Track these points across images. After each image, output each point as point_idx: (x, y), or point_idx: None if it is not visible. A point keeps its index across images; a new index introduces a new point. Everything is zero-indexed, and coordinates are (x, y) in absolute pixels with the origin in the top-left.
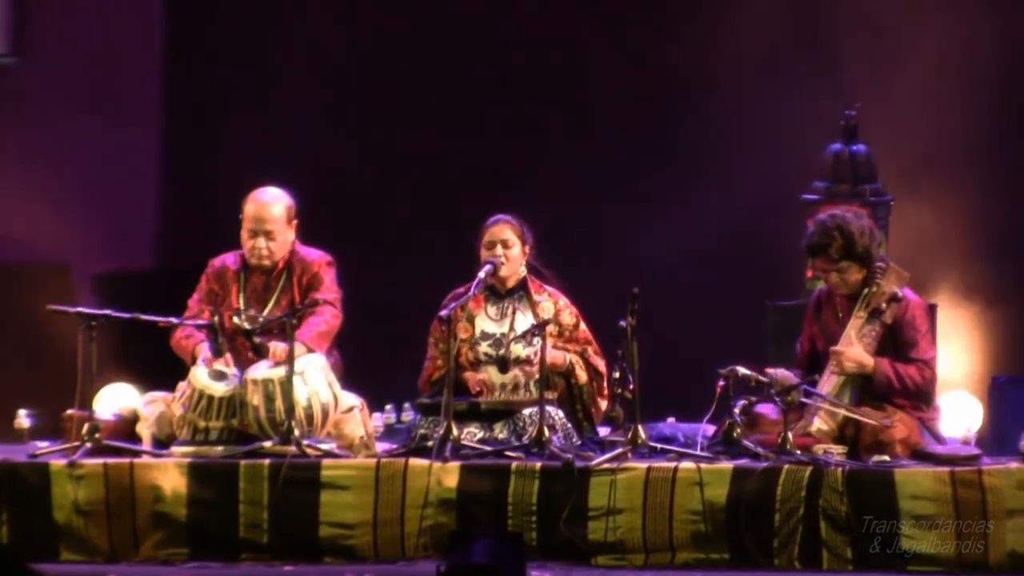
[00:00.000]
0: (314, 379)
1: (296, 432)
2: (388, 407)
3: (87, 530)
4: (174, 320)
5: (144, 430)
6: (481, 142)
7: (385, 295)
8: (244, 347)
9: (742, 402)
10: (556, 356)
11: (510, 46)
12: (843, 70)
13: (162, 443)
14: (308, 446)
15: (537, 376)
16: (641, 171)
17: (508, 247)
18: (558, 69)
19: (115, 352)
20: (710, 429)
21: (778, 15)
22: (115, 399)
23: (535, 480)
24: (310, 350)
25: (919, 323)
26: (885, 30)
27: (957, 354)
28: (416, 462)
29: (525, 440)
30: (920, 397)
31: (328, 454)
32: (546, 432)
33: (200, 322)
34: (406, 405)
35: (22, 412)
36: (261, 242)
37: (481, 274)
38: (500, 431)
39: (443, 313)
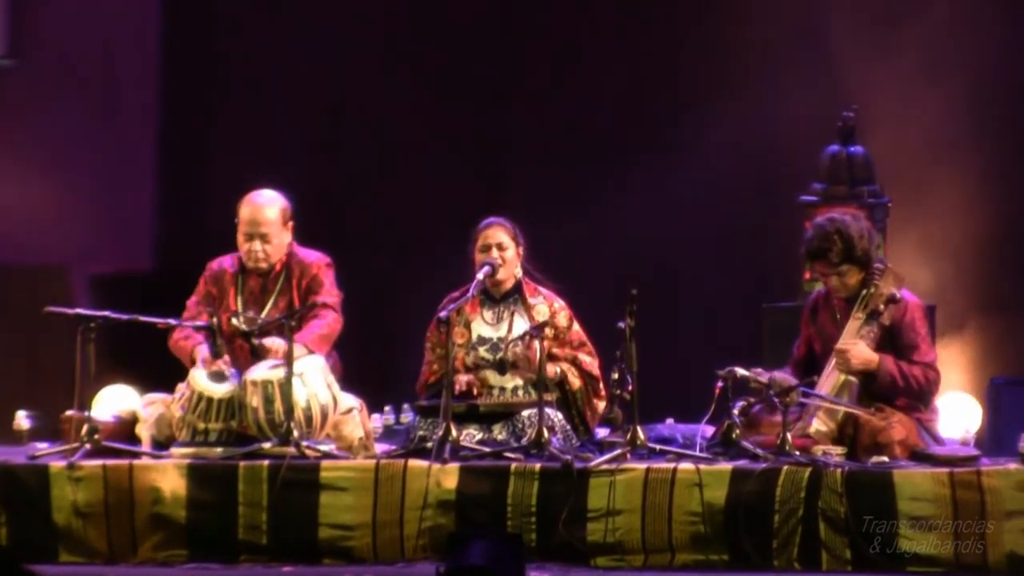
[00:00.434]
0: (313, 381)
1: (295, 433)
2: (387, 408)
3: (86, 532)
4: (173, 322)
5: (143, 432)
6: (479, 143)
7: (383, 296)
8: (243, 349)
9: (741, 403)
10: (547, 370)
11: (509, 46)
12: (841, 71)
13: (161, 445)
14: (307, 447)
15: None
16: (638, 172)
17: (503, 249)
18: (556, 71)
19: (114, 354)
20: (709, 430)
21: (777, 16)
22: (114, 401)
23: (534, 481)
24: (310, 352)
25: (919, 325)
26: (883, 31)
27: (955, 356)
28: (415, 463)
29: (524, 441)
30: (923, 398)
31: (327, 455)
32: (545, 433)
33: (199, 324)
34: (405, 406)
35: (21, 413)
36: (257, 245)
37: (480, 275)
38: (499, 433)
39: (442, 314)
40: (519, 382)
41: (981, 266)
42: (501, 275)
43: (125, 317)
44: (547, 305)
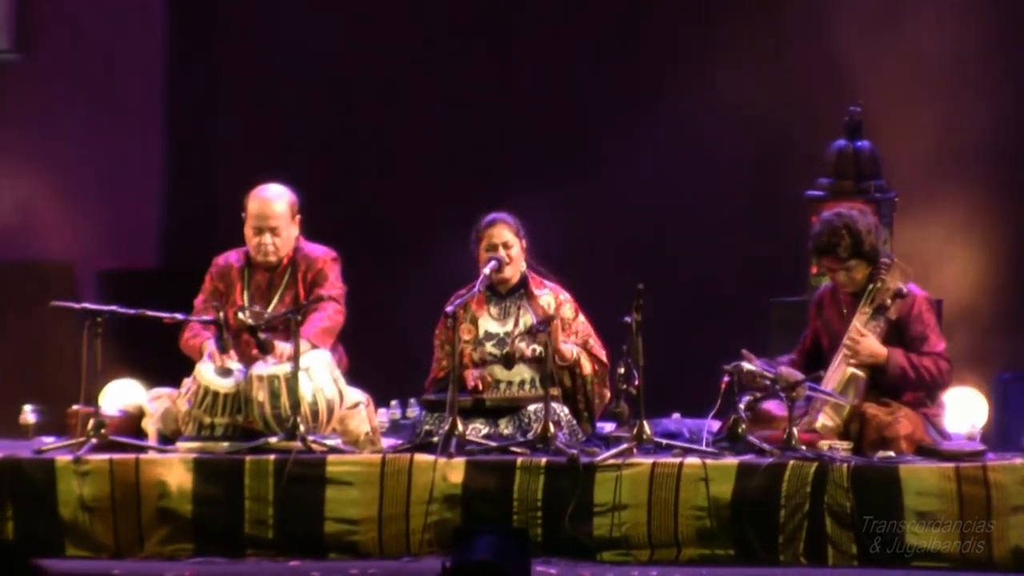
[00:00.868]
0: (319, 375)
1: (301, 428)
2: (393, 403)
3: (92, 526)
4: (179, 316)
5: (149, 426)
6: (483, 138)
7: (389, 291)
8: (249, 343)
9: (747, 398)
10: (564, 350)
11: (510, 43)
12: (848, 65)
13: (167, 439)
14: (313, 442)
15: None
16: (643, 165)
17: (508, 248)
18: (556, 64)
19: (120, 348)
20: (715, 425)
21: (783, 9)
22: (120, 395)
23: (540, 476)
24: (314, 346)
25: (926, 318)
26: (891, 25)
27: (962, 351)
28: (421, 458)
29: (530, 436)
30: (935, 388)
31: (333, 450)
32: (551, 428)
33: (205, 318)
34: (411, 401)
35: (27, 408)
36: (267, 238)
37: (486, 270)
38: (505, 427)
39: (449, 309)
40: (525, 377)
41: (988, 261)
42: (507, 273)
43: (131, 312)
44: (552, 296)
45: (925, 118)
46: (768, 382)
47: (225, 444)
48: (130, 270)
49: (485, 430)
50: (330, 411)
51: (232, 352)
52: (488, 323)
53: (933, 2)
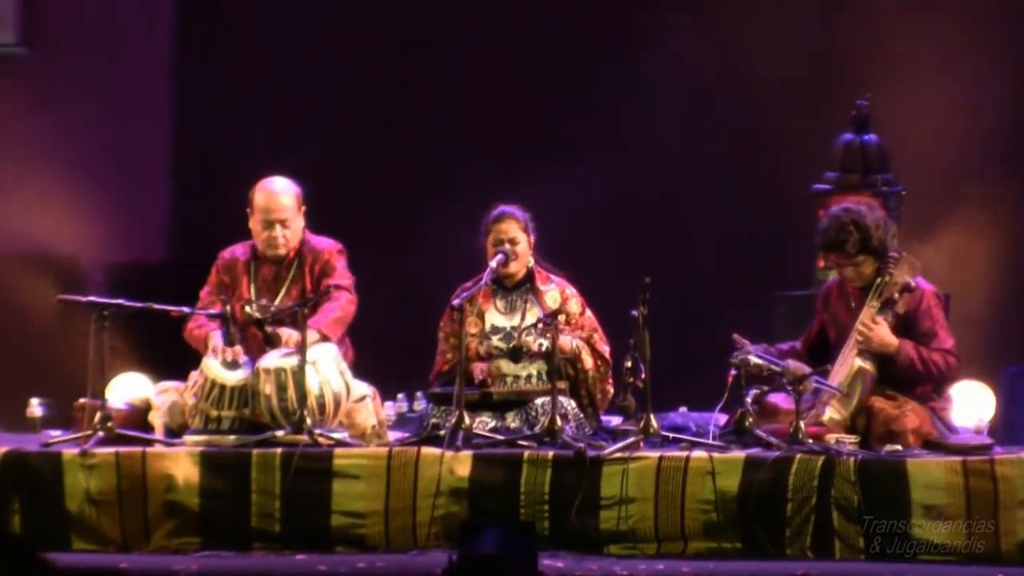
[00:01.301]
0: (326, 368)
1: (308, 421)
2: (400, 396)
3: (99, 519)
4: (186, 309)
5: (156, 419)
6: (491, 130)
7: (396, 284)
8: (256, 337)
9: (754, 391)
10: (563, 342)
11: (516, 35)
12: (854, 61)
13: (174, 432)
14: (320, 435)
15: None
16: (650, 159)
17: (515, 244)
18: (569, 58)
19: (127, 342)
20: (722, 418)
21: (790, 5)
22: (127, 388)
23: (547, 469)
24: (325, 337)
25: (935, 313)
26: (896, 18)
27: (969, 344)
28: (428, 451)
29: (537, 429)
30: (943, 382)
31: (340, 443)
32: (558, 421)
33: (212, 312)
34: (418, 394)
35: (34, 401)
36: (277, 231)
37: (493, 264)
38: (512, 420)
39: (455, 302)
40: (532, 370)
41: (995, 254)
42: (513, 268)
43: (138, 305)
44: (559, 291)
45: (933, 111)
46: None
47: (232, 437)
48: (137, 263)
49: (492, 423)
50: (337, 404)
51: (239, 345)
52: (495, 317)
53: None
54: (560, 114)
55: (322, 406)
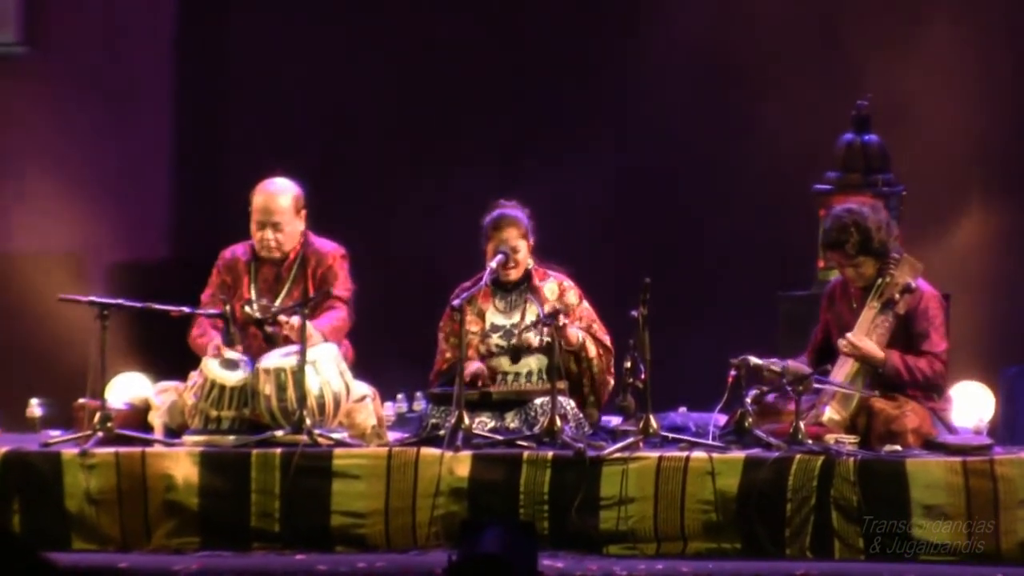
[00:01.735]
0: (326, 368)
1: (308, 421)
2: (400, 396)
3: (99, 519)
4: (186, 310)
5: (156, 419)
6: (492, 130)
7: (396, 285)
8: (256, 337)
9: (754, 392)
10: (570, 334)
11: (517, 36)
12: (855, 59)
13: (174, 432)
14: (320, 435)
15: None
16: (651, 159)
17: (516, 252)
18: (569, 57)
19: (127, 341)
20: (722, 419)
21: (791, 3)
22: (127, 388)
23: (547, 469)
24: (324, 339)
25: (932, 315)
26: (897, 18)
27: (969, 345)
28: (428, 451)
29: (537, 429)
30: (930, 388)
31: (340, 443)
32: (558, 421)
33: (212, 311)
34: (418, 394)
35: (34, 401)
36: (269, 234)
37: (493, 264)
38: (512, 420)
39: (455, 302)
40: (532, 367)
41: (995, 255)
42: (513, 275)
43: (139, 305)
44: (556, 283)
45: (933, 111)
46: (775, 376)
47: (232, 437)
48: (138, 262)
49: (491, 423)
50: (337, 404)
51: (239, 345)
52: (495, 316)
53: None
54: (562, 115)
55: (322, 406)
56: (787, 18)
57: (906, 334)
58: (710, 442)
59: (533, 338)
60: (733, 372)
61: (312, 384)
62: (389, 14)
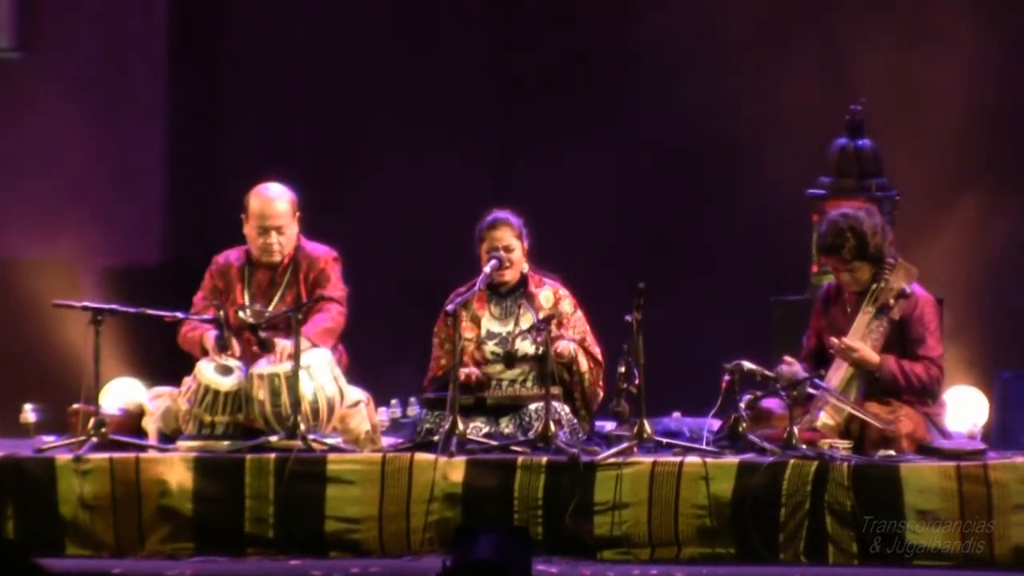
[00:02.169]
0: (320, 374)
1: (302, 427)
2: (394, 402)
3: (93, 524)
4: (180, 315)
5: (150, 425)
6: (484, 137)
7: (390, 290)
8: (250, 342)
9: (748, 397)
10: (563, 347)
11: (512, 40)
12: (848, 64)
13: (168, 438)
14: (314, 441)
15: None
16: (644, 164)
17: (510, 252)
18: (560, 63)
19: (121, 347)
20: (716, 424)
21: (783, 5)
22: (121, 394)
23: (541, 475)
24: (315, 345)
25: (928, 320)
26: (893, 22)
27: (963, 349)
28: (422, 457)
29: (531, 435)
30: (926, 394)
31: (334, 448)
32: (552, 427)
33: (205, 317)
34: (412, 400)
35: (28, 407)
36: (273, 237)
37: (487, 269)
38: (506, 426)
39: (449, 308)
40: (527, 374)
41: (989, 259)
42: (508, 276)
43: (133, 310)
44: (551, 291)
45: (927, 117)
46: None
47: (226, 443)
48: (132, 268)
49: (486, 429)
50: (331, 410)
51: (233, 349)
52: (490, 323)
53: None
54: (556, 119)
55: (316, 411)
56: (780, 22)
57: (901, 339)
58: (704, 447)
59: (528, 345)
60: (727, 377)
61: (306, 389)
62: (385, 17)
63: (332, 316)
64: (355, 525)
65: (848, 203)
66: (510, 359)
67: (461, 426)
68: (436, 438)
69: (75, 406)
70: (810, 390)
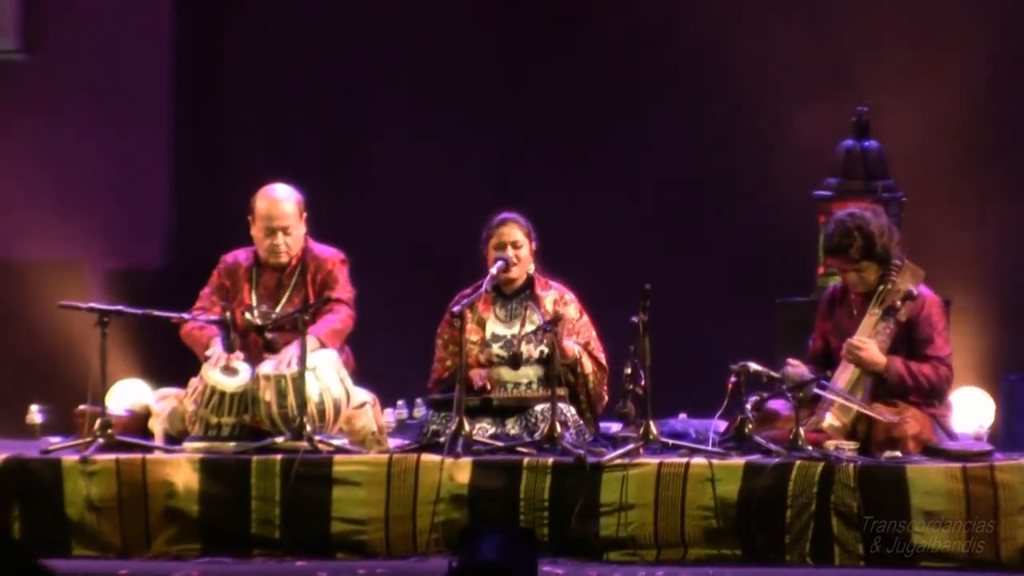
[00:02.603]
0: (326, 375)
1: (308, 428)
2: (400, 403)
3: (99, 526)
4: (186, 316)
5: (156, 426)
6: (490, 139)
7: (396, 291)
8: (256, 343)
9: (754, 398)
10: (567, 347)
11: (516, 42)
12: (855, 65)
13: (174, 439)
14: (320, 442)
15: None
16: (650, 166)
17: (518, 248)
18: (565, 65)
19: (127, 348)
20: (722, 425)
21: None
22: (127, 395)
23: (547, 476)
24: (323, 345)
25: (935, 320)
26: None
27: (968, 351)
28: (428, 458)
29: (537, 436)
30: (935, 394)
31: (340, 450)
32: (558, 428)
33: (212, 318)
34: (418, 401)
35: (34, 408)
36: (280, 239)
37: (493, 270)
38: (512, 427)
39: (455, 309)
40: (532, 377)
41: (995, 260)
42: (514, 273)
43: (139, 312)
44: (558, 295)
45: (933, 116)
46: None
47: (232, 444)
48: (138, 269)
49: (492, 430)
50: (337, 411)
51: (239, 352)
52: (495, 325)
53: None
54: (561, 122)
55: (322, 412)
56: (786, 24)
57: (908, 341)
58: (710, 448)
59: (533, 349)
60: (733, 378)
61: (312, 390)
62: (388, 17)
63: (341, 317)
64: (361, 526)
65: (854, 204)
66: (516, 360)
67: (467, 427)
68: (442, 439)
69: (81, 407)
70: (816, 391)
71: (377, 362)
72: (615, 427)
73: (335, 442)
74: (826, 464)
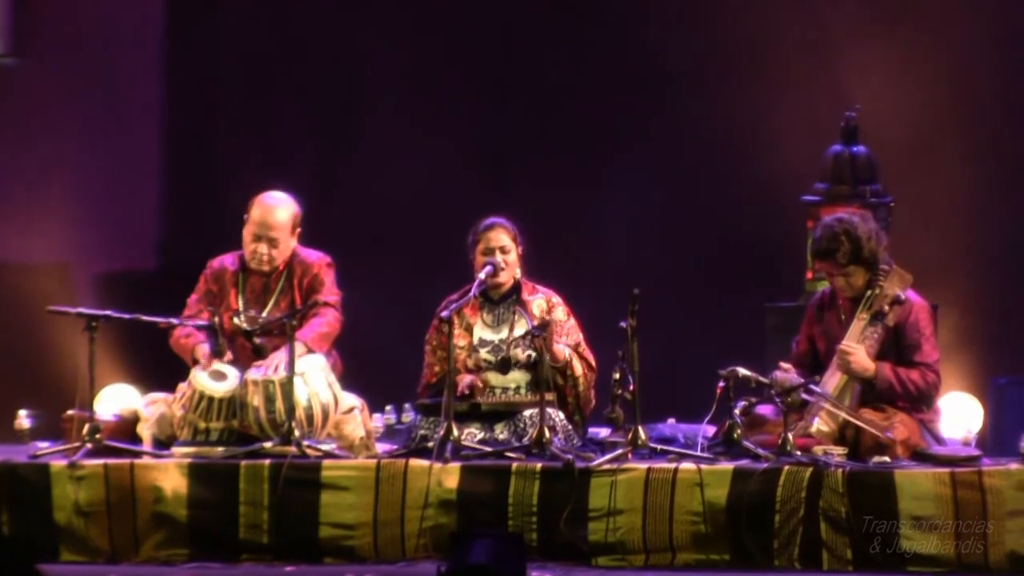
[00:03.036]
0: (314, 380)
1: (296, 433)
2: (388, 408)
3: (88, 531)
4: (174, 321)
5: (145, 431)
6: (480, 145)
7: (385, 296)
8: (244, 348)
9: (742, 403)
10: (557, 351)
11: (509, 49)
12: (842, 70)
13: (163, 444)
14: (308, 447)
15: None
16: (639, 171)
17: (506, 252)
18: (557, 71)
19: (116, 353)
20: (710, 430)
21: (777, 14)
22: (116, 400)
23: (536, 481)
24: (310, 350)
25: (923, 326)
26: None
27: (957, 355)
28: (416, 463)
29: (526, 441)
30: (923, 400)
31: (328, 455)
32: (547, 433)
33: (200, 323)
34: (406, 406)
35: (23, 413)
36: (263, 247)
37: (481, 275)
38: (501, 432)
39: (444, 314)
40: (521, 382)
41: (983, 265)
42: (502, 277)
43: (127, 316)
44: (545, 300)
45: (920, 122)
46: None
47: (220, 449)
48: (127, 273)
49: (480, 435)
50: (325, 416)
51: (228, 355)
52: (482, 330)
53: (931, 5)
54: (552, 128)
55: (310, 418)
56: (775, 30)
57: (896, 346)
58: (699, 453)
59: (521, 353)
60: (722, 383)
61: (300, 395)
62: (381, 22)
63: (328, 321)
64: (350, 531)
65: (843, 209)
66: (505, 365)
67: (456, 432)
68: (431, 444)
69: (70, 412)
70: (805, 396)
71: (365, 367)
72: (603, 432)
73: (323, 447)
74: (815, 469)
